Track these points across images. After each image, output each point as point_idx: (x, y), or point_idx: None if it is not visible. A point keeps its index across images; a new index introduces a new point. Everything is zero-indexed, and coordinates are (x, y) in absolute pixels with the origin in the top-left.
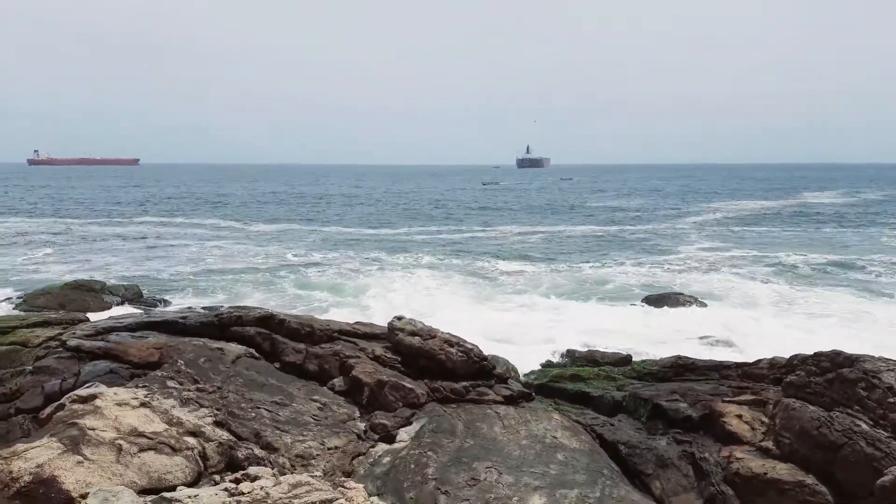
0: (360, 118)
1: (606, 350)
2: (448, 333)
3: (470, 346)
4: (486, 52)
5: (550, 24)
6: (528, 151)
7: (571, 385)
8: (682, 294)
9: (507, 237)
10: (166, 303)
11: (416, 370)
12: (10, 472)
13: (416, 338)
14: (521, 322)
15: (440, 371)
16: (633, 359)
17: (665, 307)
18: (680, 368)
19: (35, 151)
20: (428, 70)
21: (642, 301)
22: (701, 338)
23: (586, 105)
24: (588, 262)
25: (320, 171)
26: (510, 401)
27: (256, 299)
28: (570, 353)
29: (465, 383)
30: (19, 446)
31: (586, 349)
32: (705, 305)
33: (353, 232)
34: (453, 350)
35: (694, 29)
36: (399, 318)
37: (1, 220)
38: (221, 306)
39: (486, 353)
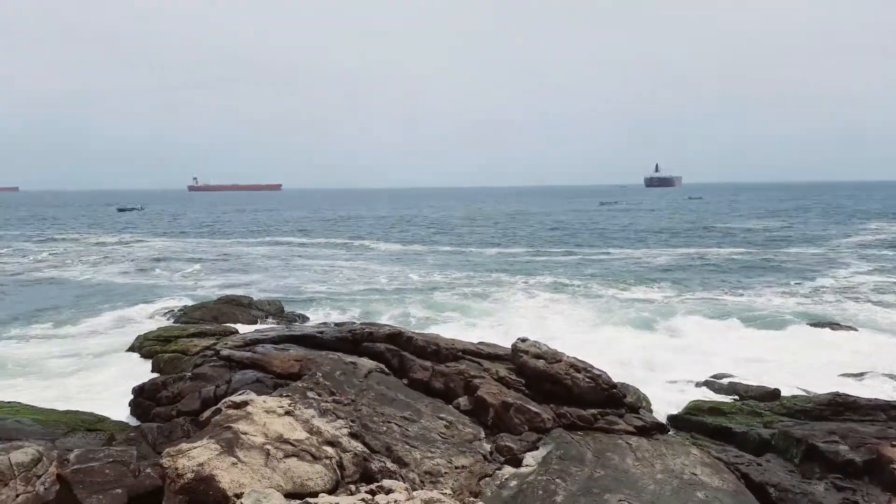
0: (483, 138)
1: (750, 383)
2: (574, 358)
3: (598, 372)
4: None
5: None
6: (657, 170)
7: (711, 419)
8: (839, 324)
9: (630, 259)
10: (304, 318)
11: (540, 394)
12: (177, 469)
13: (541, 361)
14: (653, 349)
15: (566, 396)
16: (782, 393)
17: (819, 337)
18: (839, 407)
19: (194, 178)
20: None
21: (793, 330)
22: (862, 373)
23: (723, 121)
24: (726, 287)
25: (455, 194)
26: (643, 432)
27: (385, 316)
28: (708, 384)
29: (593, 411)
30: (184, 445)
31: (727, 381)
32: (867, 337)
33: (473, 252)
34: (580, 375)
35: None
36: (523, 340)
37: (163, 240)
38: (354, 322)
39: (614, 380)
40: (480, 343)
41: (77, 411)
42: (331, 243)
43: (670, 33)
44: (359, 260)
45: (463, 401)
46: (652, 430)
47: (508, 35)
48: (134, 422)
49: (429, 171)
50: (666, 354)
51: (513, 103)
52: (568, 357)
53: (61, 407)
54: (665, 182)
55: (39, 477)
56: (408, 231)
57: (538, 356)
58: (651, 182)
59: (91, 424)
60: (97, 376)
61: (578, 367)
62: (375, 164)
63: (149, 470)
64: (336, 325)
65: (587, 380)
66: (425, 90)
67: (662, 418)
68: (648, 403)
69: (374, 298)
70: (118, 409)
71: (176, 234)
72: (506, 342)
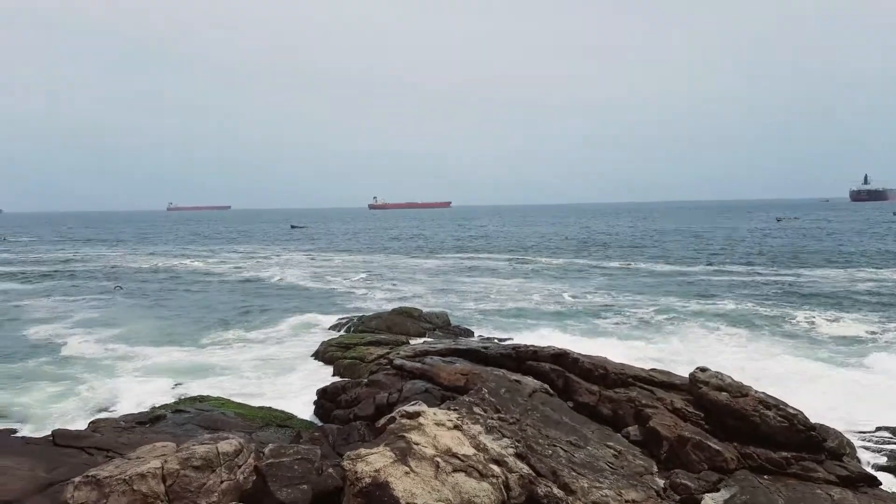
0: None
1: None
2: (763, 393)
3: (793, 412)
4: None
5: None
6: (865, 181)
7: None
8: None
9: (826, 282)
10: (468, 332)
11: (721, 430)
12: (356, 472)
13: (724, 394)
14: (858, 388)
15: (752, 435)
16: None
17: None
18: None
19: (374, 198)
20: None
21: None
22: None
23: None
24: None
25: (615, 209)
26: (847, 483)
27: (542, 335)
28: None
29: (785, 454)
30: (362, 450)
31: None
32: None
33: (641, 270)
34: (770, 413)
35: None
36: (703, 370)
37: (340, 255)
38: (511, 338)
39: (812, 420)
40: (653, 370)
41: (270, 408)
42: (493, 258)
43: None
44: (518, 277)
45: (633, 430)
46: (859, 481)
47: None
48: (317, 421)
49: (585, 186)
50: (875, 395)
51: (670, 103)
52: (756, 392)
53: (257, 403)
54: (877, 195)
55: (240, 467)
56: (568, 246)
57: (720, 388)
58: (858, 195)
59: (281, 421)
60: (287, 377)
61: (768, 403)
62: (552, 181)
63: (331, 470)
64: (499, 340)
65: (779, 418)
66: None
67: (871, 469)
68: (853, 451)
69: (531, 314)
70: (303, 408)
71: (354, 250)
72: (680, 370)
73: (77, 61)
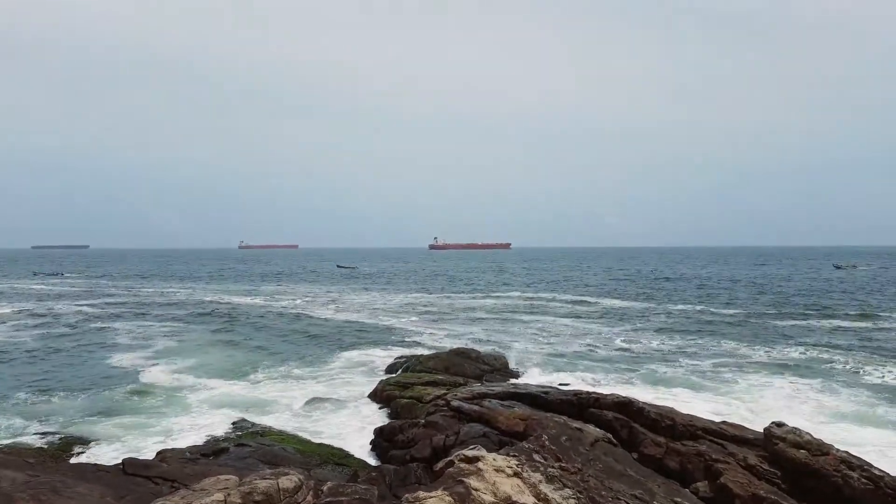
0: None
1: None
2: (845, 452)
3: (879, 473)
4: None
5: None
6: None
7: None
8: None
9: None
10: (527, 375)
11: (799, 490)
12: None
13: (803, 451)
14: None
15: (833, 497)
16: None
17: None
18: None
19: (434, 238)
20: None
21: None
22: None
23: None
24: None
25: (698, 253)
26: None
27: (603, 381)
28: None
29: None
30: (420, 493)
31: None
32: None
33: (707, 314)
34: (854, 474)
35: None
36: (779, 425)
37: (399, 294)
38: (569, 383)
39: None
40: (724, 423)
41: (328, 445)
42: (554, 299)
43: None
44: (579, 318)
45: (702, 486)
46: None
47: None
48: (373, 460)
49: (647, 225)
50: None
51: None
52: (838, 451)
53: (315, 440)
54: None
55: (299, 503)
56: (632, 289)
57: (798, 445)
58: None
59: (339, 459)
60: (344, 414)
61: (852, 463)
62: (618, 222)
63: None
64: (560, 385)
65: (864, 480)
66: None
67: None
68: None
69: (592, 358)
70: (360, 446)
71: (413, 290)
72: (752, 424)
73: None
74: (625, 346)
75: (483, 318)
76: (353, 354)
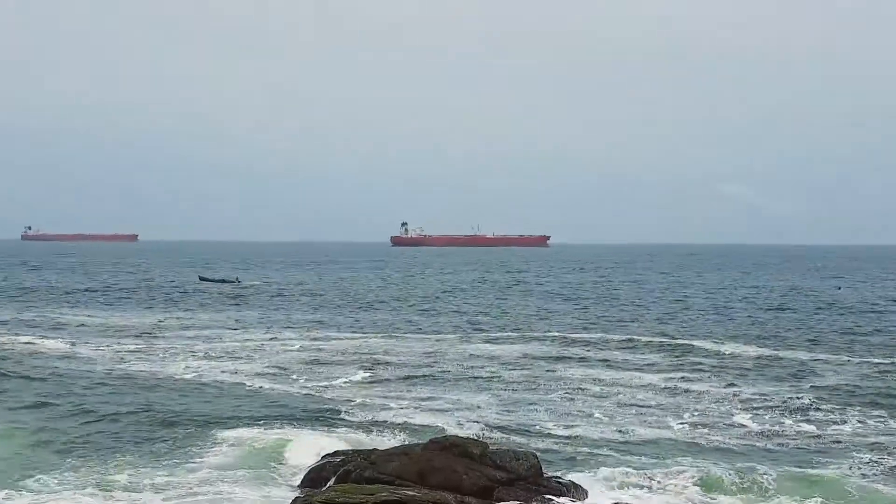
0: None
1: None
2: None
3: None
4: None
5: None
6: None
7: None
8: None
9: None
10: (577, 488)
11: None
12: None
13: None
14: None
15: None
16: None
17: None
18: None
19: (403, 226)
20: None
21: None
22: None
23: None
24: None
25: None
26: None
27: (712, 498)
28: None
29: None
30: None
31: None
32: None
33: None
34: None
35: None
36: None
37: (334, 331)
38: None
39: None
40: None
41: None
42: (614, 341)
43: None
44: (659, 373)
45: None
46: None
47: None
48: None
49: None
50: None
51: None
52: None
53: None
54: None
55: None
56: (750, 320)
57: None
58: None
59: None
60: None
61: None
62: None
63: None
64: None
65: None
66: None
67: None
68: None
69: (689, 453)
70: None
71: (361, 323)
72: None
73: None
74: (747, 425)
75: (493, 377)
76: (242, 439)
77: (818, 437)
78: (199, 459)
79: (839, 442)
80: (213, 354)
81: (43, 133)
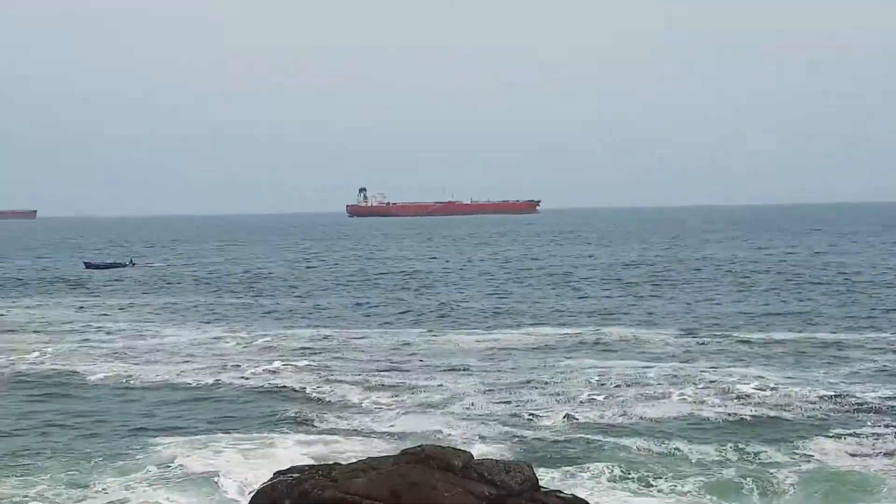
0: None
1: None
2: None
3: None
4: None
5: None
6: None
7: None
8: None
9: None
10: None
11: None
12: None
13: None
14: None
15: None
16: None
17: None
18: None
19: (361, 192)
20: None
21: None
22: None
23: None
24: None
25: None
26: None
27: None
28: None
29: None
30: None
31: None
32: None
33: None
34: None
35: None
36: None
37: (284, 323)
38: None
39: None
40: None
41: None
42: (622, 324)
43: None
44: (674, 360)
45: None
46: None
47: None
48: None
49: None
50: None
51: None
52: None
53: None
54: None
55: None
56: (781, 300)
57: None
58: None
59: None
60: None
61: None
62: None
63: None
64: None
65: None
66: None
67: None
68: None
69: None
70: None
71: (324, 308)
72: None
73: None
74: (787, 419)
75: (475, 370)
76: (177, 450)
77: (846, 428)
78: (125, 475)
79: (869, 436)
80: (140, 352)
81: None
